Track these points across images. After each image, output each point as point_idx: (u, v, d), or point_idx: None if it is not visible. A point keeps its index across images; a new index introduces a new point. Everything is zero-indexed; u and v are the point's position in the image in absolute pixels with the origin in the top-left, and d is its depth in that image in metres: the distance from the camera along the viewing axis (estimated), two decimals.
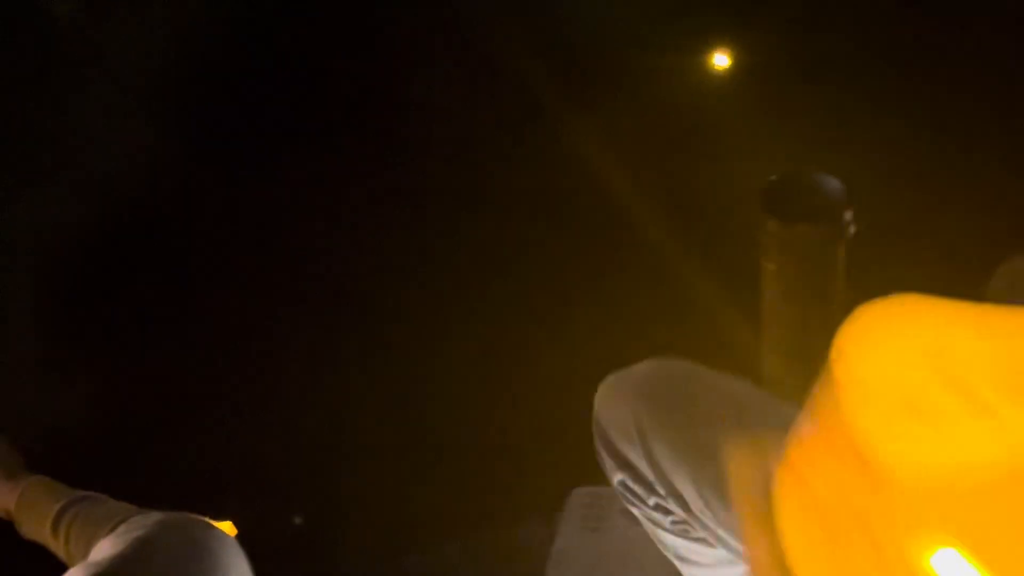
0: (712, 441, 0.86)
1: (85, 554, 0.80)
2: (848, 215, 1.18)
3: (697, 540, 1.02)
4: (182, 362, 1.80)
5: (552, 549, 1.49)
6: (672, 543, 1.07)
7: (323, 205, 1.99)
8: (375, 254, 1.91)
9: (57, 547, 0.96)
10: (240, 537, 0.88)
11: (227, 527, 1.28)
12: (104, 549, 0.75)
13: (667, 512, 1.00)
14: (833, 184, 1.22)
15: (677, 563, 1.09)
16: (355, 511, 1.60)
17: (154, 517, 0.80)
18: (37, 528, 1.05)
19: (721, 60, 2.02)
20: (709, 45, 2.02)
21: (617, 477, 1.03)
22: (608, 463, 1.03)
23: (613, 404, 1.00)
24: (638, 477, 0.99)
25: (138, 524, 0.76)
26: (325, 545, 1.56)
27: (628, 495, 1.04)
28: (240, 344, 1.81)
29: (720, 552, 1.01)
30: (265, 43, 2.26)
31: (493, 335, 1.76)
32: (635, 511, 1.05)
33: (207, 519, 0.79)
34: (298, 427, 1.71)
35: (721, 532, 0.94)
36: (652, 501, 1.00)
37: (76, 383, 1.72)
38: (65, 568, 0.81)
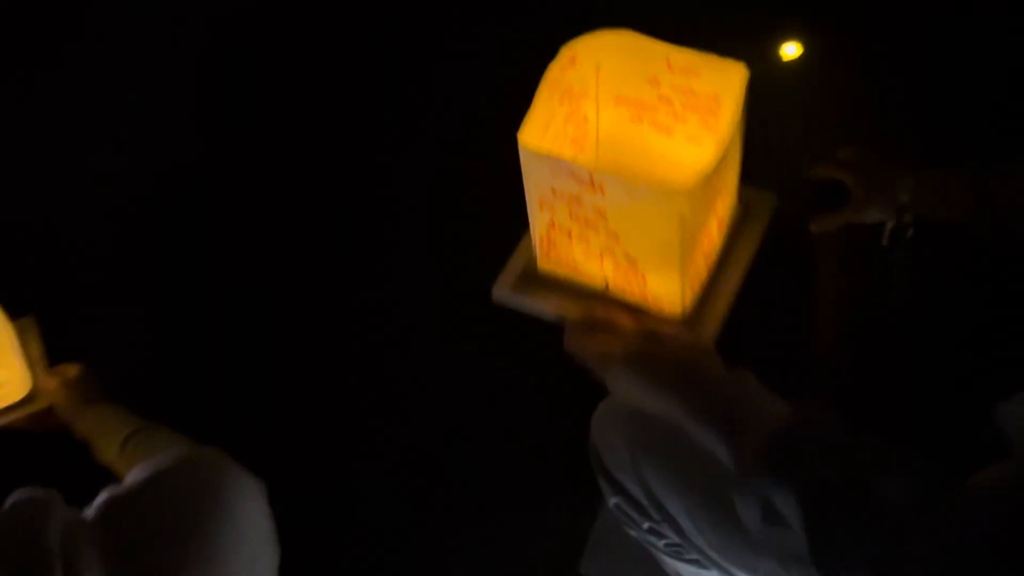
0: (700, 468, 0.87)
1: None
2: None
3: (691, 562, 1.03)
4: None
5: (591, 531, 1.51)
6: (669, 563, 1.08)
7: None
8: None
9: (120, 473, 1.01)
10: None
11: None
12: (131, 476, 0.78)
13: (660, 535, 1.01)
14: None
15: None
16: (395, 483, 1.63)
17: (183, 452, 0.82)
18: (107, 453, 1.11)
19: (790, 50, 1.98)
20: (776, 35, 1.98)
21: (612, 500, 1.04)
22: (604, 487, 1.05)
23: (607, 430, 1.00)
24: (632, 501, 1.01)
25: (166, 457, 0.78)
26: (358, 518, 1.60)
27: (623, 518, 1.05)
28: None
29: (713, 574, 1.01)
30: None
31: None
32: (631, 533, 1.06)
33: (232, 461, 0.82)
34: (336, 390, 1.75)
35: (713, 555, 0.94)
36: (646, 525, 1.02)
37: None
38: None
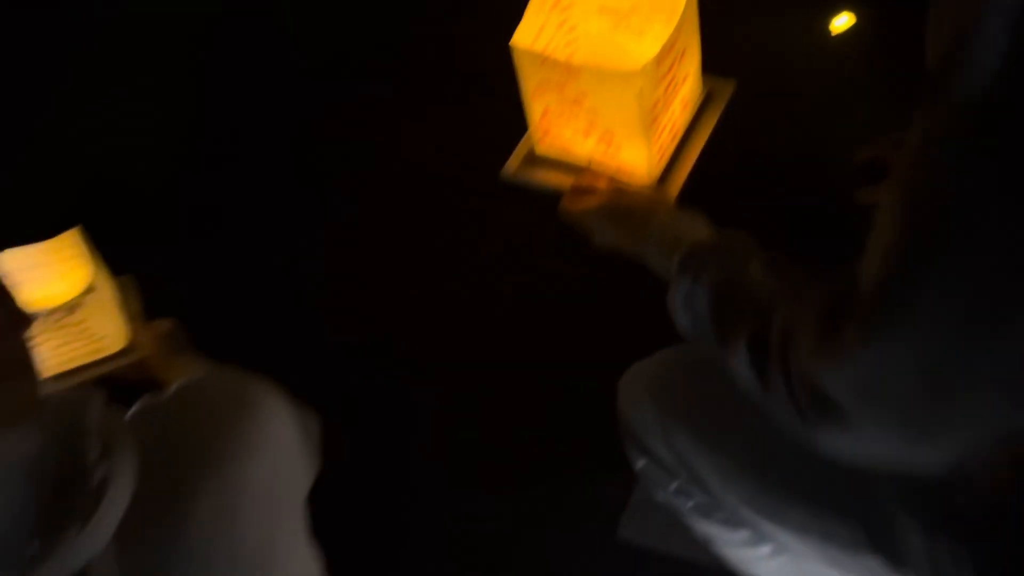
0: (730, 423, 0.90)
1: None
2: None
3: (720, 522, 1.04)
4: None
5: (629, 501, 1.53)
6: (695, 526, 1.10)
7: None
8: None
9: None
10: None
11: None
12: (168, 390, 0.85)
13: (688, 495, 1.03)
14: None
15: (706, 545, 1.11)
16: (437, 450, 1.66)
17: (211, 368, 0.87)
18: None
19: (841, 20, 1.96)
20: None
21: (639, 463, 1.07)
22: (631, 450, 1.08)
23: (634, 395, 1.05)
24: (659, 463, 1.03)
25: (201, 372, 0.86)
26: (402, 482, 1.64)
27: (650, 480, 1.07)
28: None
29: (743, 534, 1.04)
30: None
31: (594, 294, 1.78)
32: (658, 497, 1.08)
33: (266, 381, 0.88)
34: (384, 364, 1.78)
35: (744, 510, 0.96)
36: (673, 486, 1.04)
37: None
38: None
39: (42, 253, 1.28)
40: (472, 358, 1.76)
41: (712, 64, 1.09)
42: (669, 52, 0.95)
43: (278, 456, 0.83)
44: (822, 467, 0.76)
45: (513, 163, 1.11)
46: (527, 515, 1.55)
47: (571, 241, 1.14)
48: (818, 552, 0.92)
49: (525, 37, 0.96)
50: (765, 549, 1.06)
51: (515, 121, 1.09)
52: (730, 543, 1.09)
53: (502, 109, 1.10)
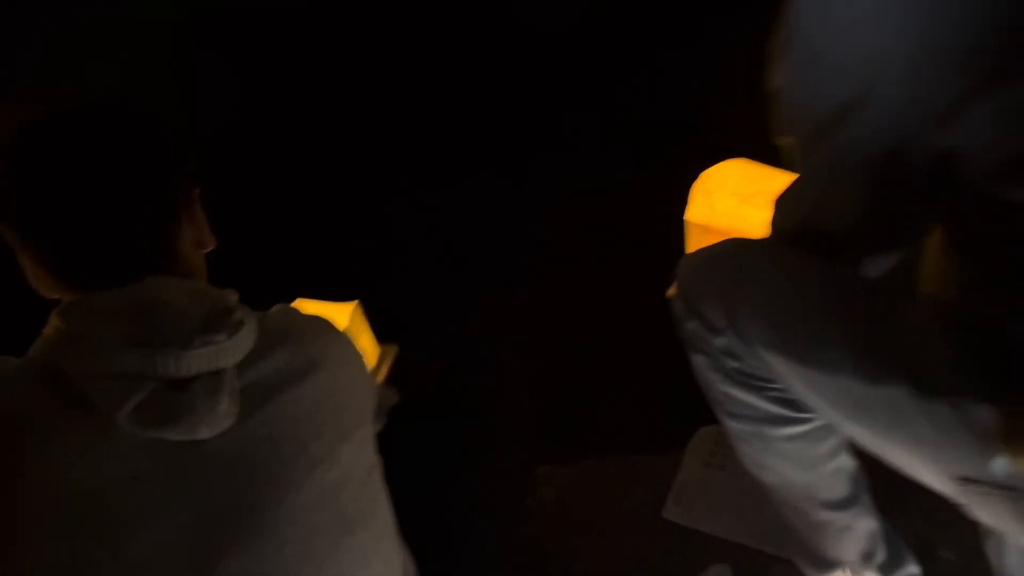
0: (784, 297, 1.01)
1: None
2: None
3: (753, 389, 1.11)
4: None
5: (675, 481, 1.56)
6: (730, 393, 1.14)
7: None
8: None
9: None
10: None
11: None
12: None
13: (735, 357, 1.08)
14: None
15: (731, 422, 1.17)
16: (501, 420, 1.73)
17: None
18: None
19: None
20: None
21: (689, 325, 1.13)
22: (683, 313, 1.14)
23: (700, 266, 1.15)
24: (709, 325, 1.09)
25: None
26: (463, 447, 1.70)
27: (696, 340, 1.13)
28: None
29: (772, 409, 1.11)
30: None
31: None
32: (700, 358, 1.14)
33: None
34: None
35: (792, 373, 1.01)
36: (720, 342, 1.08)
37: None
38: None
39: (325, 308, 1.58)
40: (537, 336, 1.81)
41: None
42: None
43: (352, 354, 0.99)
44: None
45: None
46: (575, 497, 1.60)
47: None
48: (845, 399, 0.96)
49: (695, 215, 1.46)
50: (786, 430, 1.12)
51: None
52: (752, 415, 1.14)
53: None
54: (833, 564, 1.26)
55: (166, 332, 0.80)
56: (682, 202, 1.49)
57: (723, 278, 1.09)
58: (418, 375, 1.37)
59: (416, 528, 1.28)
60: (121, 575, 0.77)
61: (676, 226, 1.50)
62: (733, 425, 1.17)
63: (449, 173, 2.21)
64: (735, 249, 1.13)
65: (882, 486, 1.20)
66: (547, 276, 1.93)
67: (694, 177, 1.51)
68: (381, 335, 1.69)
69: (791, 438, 1.14)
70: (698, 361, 1.15)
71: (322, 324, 0.97)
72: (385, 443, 1.11)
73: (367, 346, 1.76)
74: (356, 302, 1.70)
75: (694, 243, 1.48)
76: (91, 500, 0.78)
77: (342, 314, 1.69)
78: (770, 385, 1.08)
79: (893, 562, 1.26)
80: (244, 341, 0.85)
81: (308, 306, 1.71)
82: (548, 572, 1.51)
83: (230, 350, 0.83)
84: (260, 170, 2.27)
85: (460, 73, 2.44)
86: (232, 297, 0.89)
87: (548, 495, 1.59)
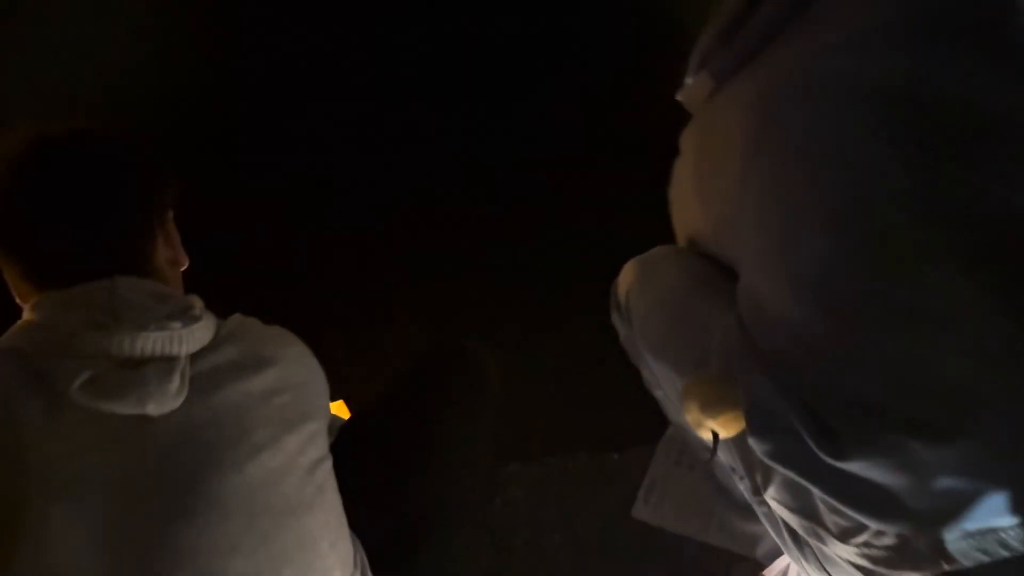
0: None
1: None
2: None
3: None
4: None
5: (645, 479, 1.55)
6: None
7: None
8: None
9: None
10: None
11: (339, 407, 1.47)
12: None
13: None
14: None
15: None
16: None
17: None
18: None
19: None
20: None
21: (623, 334, 1.32)
22: (617, 322, 1.33)
23: (631, 266, 1.28)
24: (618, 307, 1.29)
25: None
26: None
27: (633, 351, 1.31)
28: None
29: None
30: None
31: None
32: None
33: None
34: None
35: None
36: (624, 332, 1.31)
37: None
38: None
39: None
40: (503, 329, 1.79)
41: None
42: None
43: (311, 361, 1.02)
44: None
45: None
46: (544, 497, 1.58)
47: None
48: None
49: None
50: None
51: None
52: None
53: None
54: None
55: (123, 318, 0.86)
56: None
57: (635, 279, 1.20)
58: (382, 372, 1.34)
59: (380, 528, 1.26)
60: (63, 536, 0.80)
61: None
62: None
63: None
64: (656, 253, 1.22)
65: None
66: (510, 269, 1.91)
67: None
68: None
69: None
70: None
71: (278, 330, 1.01)
72: (346, 441, 1.11)
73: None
74: (340, 401, 1.64)
75: None
76: (41, 466, 0.81)
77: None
78: None
79: None
80: (200, 333, 0.91)
81: None
82: (517, 572, 1.49)
83: (185, 338, 0.88)
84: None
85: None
86: (196, 301, 0.94)
87: (517, 494, 1.58)
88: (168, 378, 0.85)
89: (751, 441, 0.90)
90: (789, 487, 0.99)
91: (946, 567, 0.86)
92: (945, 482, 0.80)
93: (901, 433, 0.79)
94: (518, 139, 2.17)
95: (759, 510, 1.11)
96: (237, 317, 0.99)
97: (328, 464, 0.99)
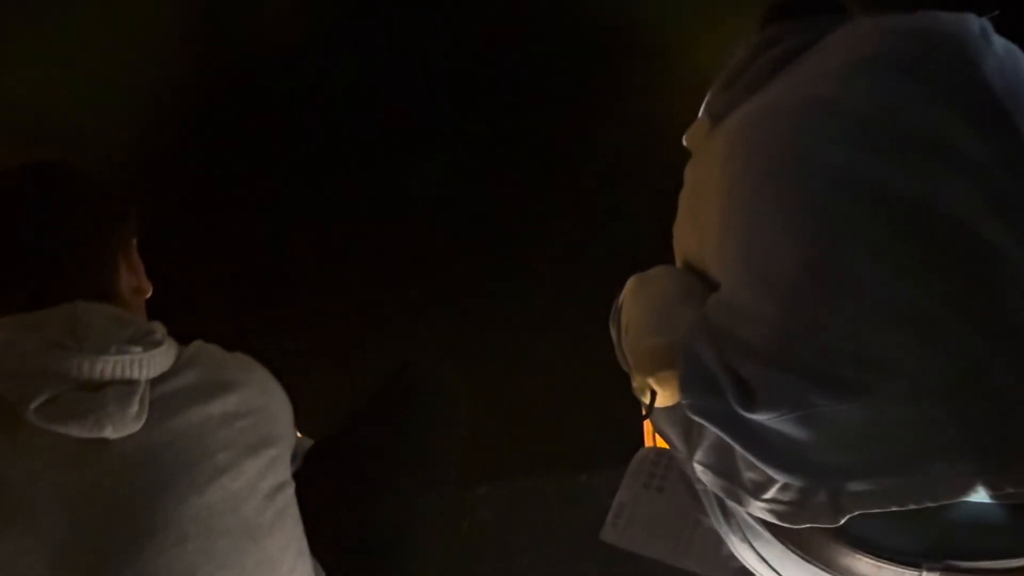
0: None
1: None
2: None
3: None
4: None
5: (614, 501, 1.55)
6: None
7: None
8: None
9: None
10: None
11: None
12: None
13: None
14: None
15: None
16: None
17: None
18: None
19: None
20: None
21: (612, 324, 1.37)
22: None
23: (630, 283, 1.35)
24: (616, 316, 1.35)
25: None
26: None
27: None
28: None
29: None
30: None
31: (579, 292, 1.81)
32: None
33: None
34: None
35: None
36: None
37: None
38: None
39: None
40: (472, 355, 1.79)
41: None
42: None
43: (272, 386, 1.01)
44: None
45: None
46: (514, 518, 1.58)
47: None
48: None
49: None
50: None
51: None
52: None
53: None
54: None
55: (84, 341, 0.85)
56: None
57: (631, 288, 1.30)
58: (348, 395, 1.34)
59: (344, 551, 1.25)
60: (16, 558, 0.80)
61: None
62: None
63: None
64: (654, 269, 1.30)
65: None
66: (481, 291, 1.92)
67: None
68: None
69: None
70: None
71: (240, 356, 1.01)
72: (311, 463, 1.10)
73: None
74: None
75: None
76: None
77: None
78: None
79: None
80: (161, 358, 0.90)
81: None
82: None
83: (146, 362, 0.88)
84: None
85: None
86: (158, 327, 0.93)
87: (486, 517, 1.57)
88: (128, 402, 0.85)
89: (681, 396, 1.03)
90: (713, 449, 1.08)
91: (841, 520, 0.93)
92: (844, 438, 0.92)
93: (809, 388, 0.91)
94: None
95: (697, 487, 1.19)
96: (198, 343, 0.98)
97: (290, 490, 0.98)
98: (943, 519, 0.92)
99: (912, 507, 0.90)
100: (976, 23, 1.02)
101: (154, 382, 0.89)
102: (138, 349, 0.87)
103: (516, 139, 2.21)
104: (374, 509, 1.14)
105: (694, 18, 2.23)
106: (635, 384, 1.21)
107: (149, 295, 1.04)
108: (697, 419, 1.04)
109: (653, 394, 1.17)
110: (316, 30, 2.40)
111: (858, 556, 0.96)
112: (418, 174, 2.16)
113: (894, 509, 0.90)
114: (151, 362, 0.88)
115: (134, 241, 1.03)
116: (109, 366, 0.85)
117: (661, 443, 1.42)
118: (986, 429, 0.87)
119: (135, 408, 0.85)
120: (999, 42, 1.01)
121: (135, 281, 1.01)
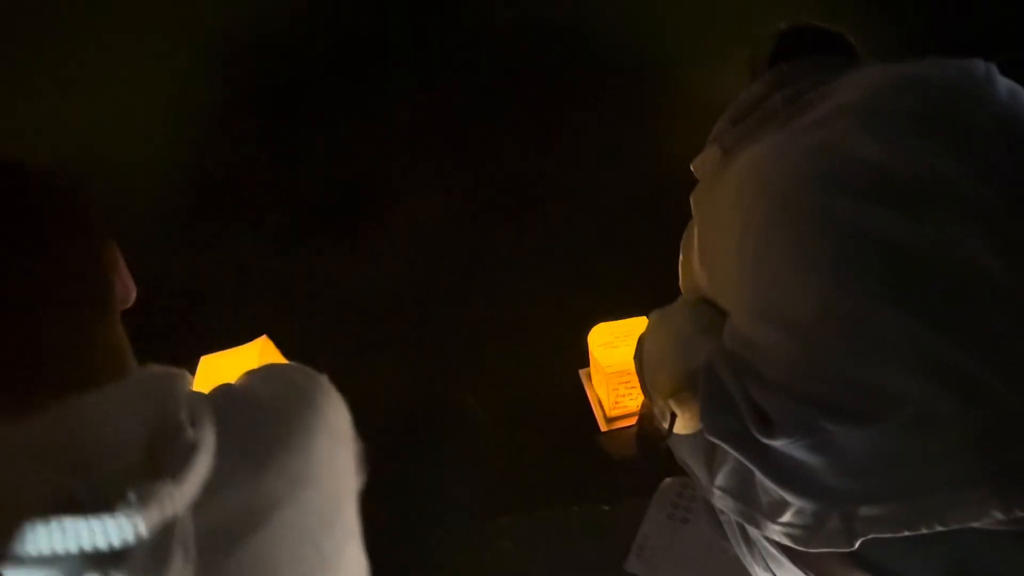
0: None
1: None
2: None
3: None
4: None
5: (638, 532, 1.53)
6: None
7: None
8: None
9: None
10: None
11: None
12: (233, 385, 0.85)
13: None
14: None
15: None
16: (458, 467, 1.69)
17: (271, 366, 0.90)
18: None
19: None
20: None
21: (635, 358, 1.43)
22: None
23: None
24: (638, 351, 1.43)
25: (259, 369, 0.86)
26: (423, 499, 1.65)
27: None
28: None
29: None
30: None
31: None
32: None
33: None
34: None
35: None
36: None
37: None
38: None
39: (232, 357, 1.58)
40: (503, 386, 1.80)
41: None
42: None
43: (333, 435, 0.83)
44: None
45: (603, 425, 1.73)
46: (537, 548, 1.56)
47: None
48: None
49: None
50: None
51: None
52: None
53: None
54: None
55: (97, 481, 0.64)
56: None
57: (651, 323, 1.37)
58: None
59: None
60: None
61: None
62: None
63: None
64: (673, 304, 1.35)
65: None
66: (497, 314, 1.92)
67: None
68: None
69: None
70: None
71: (294, 414, 0.79)
72: None
73: None
74: (263, 337, 1.65)
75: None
76: None
77: (249, 356, 1.64)
78: None
79: None
80: (198, 471, 0.68)
81: (215, 361, 1.65)
82: None
83: (177, 495, 0.66)
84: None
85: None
86: (180, 387, 0.73)
87: (507, 547, 1.55)
88: (166, 564, 0.63)
89: (701, 416, 1.07)
90: (733, 474, 1.11)
91: (855, 544, 0.95)
92: (856, 464, 0.95)
93: (822, 416, 0.95)
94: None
95: (721, 518, 1.21)
96: (229, 396, 0.78)
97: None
98: (960, 545, 0.92)
99: (924, 531, 0.91)
100: (982, 67, 1.05)
101: (198, 505, 0.67)
102: (168, 482, 0.64)
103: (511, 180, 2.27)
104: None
105: (701, 53, 2.27)
106: (655, 409, 1.25)
107: (132, 299, 0.82)
108: (715, 441, 1.06)
109: (673, 416, 1.19)
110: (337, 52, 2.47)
111: None
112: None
113: (906, 534, 0.92)
114: (188, 486, 0.66)
115: (113, 245, 0.81)
116: (140, 524, 0.62)
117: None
118: (994, 455, 0.88)
119: (178, 562, 0.64)
120: (1004, 85, 1.05)
121: (123, 291, 0.80)
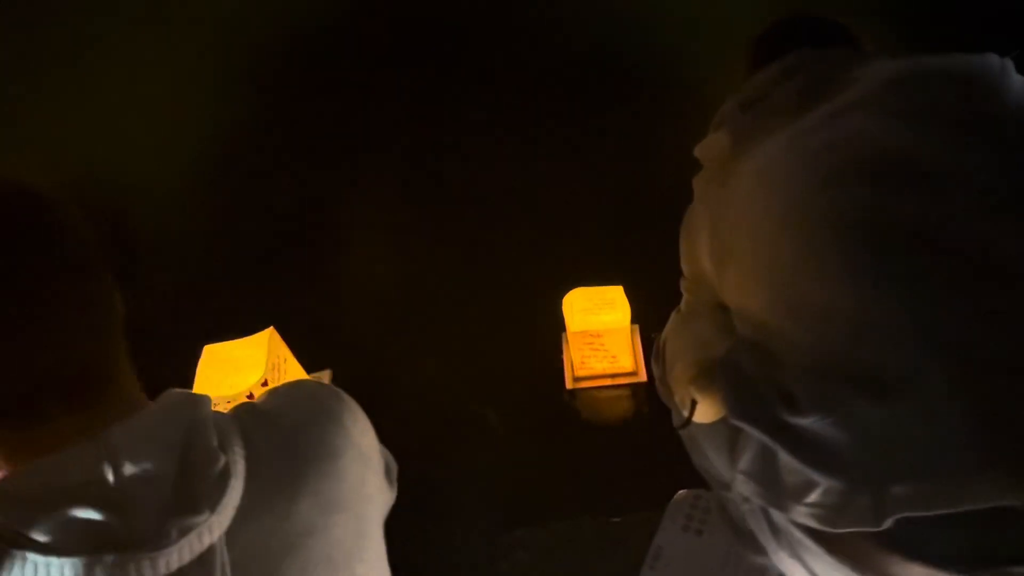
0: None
1: None
2: None
3: None
4: None
5: (651, 544, 1.54)
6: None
7: None
8: None
9: None
10: None
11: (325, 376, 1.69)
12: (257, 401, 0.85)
13: None
14: None
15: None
16: (470, 481, 1.69)
17: (294, 383, 0.89)
18: None
19: None
20: None
21: (653, 359, 1.54)
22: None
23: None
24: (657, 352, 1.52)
25: (282, 387, 0.86)
26: (433, 512, 1.65)
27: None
28: None
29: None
30: None
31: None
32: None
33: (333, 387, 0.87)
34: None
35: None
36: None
37: None
38: None
39: (237, 347, 1.61)
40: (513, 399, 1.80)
41: None
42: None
43: (362, 457, 0.83)
44: None
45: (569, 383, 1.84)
46: (554, 543, 1.57)
47: None
48: None
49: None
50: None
51: None
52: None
53: None
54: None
55: (135, 518, 0.64)
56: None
57: (671, 325, 1.43)
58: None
59: None
60: None
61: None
62: None
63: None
64: (692, 308, 1.40)
65: None
66: (509, 327, 1.92)
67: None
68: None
69: None
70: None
71: (323, 437, 0.79)
72: None
73: (295, 375, 1.70)
74: (270, 329, 1.65)
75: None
76: None
77: (257, 348, 1.63)
78: None
79: None
80: (232, 497, 0.69)
81: (220, 351, 1.65)
82: None
83: (214, 524, 0.67)
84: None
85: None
86: (205, 411, 0.72)
87: (523, 559, 1.57)
88: None
89: (724, 401, 1.09)
90: (756, 458, 1.12)
91: (883, 524, 0.95)
92: (883, 441, 0.96)
93: (846, 391, 0.97)
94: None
95: (744, 508, 1.22)
96: (254, 414, 0.78)
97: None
98: (994, 524, 0.93)
99: (949, 511, 0.92)
100: (997, 62, 1.06)
101: (232, 531, 0.68)
102: (203, 513, 0.65)
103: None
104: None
105: (706, 50, 2.24)
106: (676, 398, 1.28)
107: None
108: (740, 424, 1.07)
109: (693, 404, 1.21)
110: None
111: (909, 564, 0.96)
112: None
113: (934, 512, 0.93)
114: (224, 514, 0.67)
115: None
116: (175, 557, 0.64)
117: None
118: (1016, 436, 0.90)
119: None
120: (1018, 79, 1.06)
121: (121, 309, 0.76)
